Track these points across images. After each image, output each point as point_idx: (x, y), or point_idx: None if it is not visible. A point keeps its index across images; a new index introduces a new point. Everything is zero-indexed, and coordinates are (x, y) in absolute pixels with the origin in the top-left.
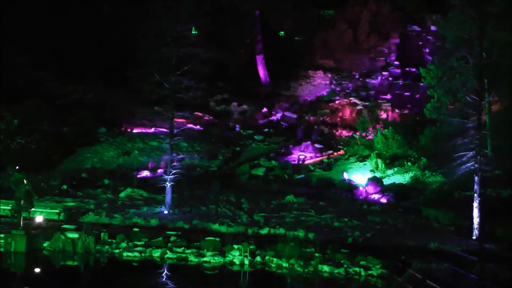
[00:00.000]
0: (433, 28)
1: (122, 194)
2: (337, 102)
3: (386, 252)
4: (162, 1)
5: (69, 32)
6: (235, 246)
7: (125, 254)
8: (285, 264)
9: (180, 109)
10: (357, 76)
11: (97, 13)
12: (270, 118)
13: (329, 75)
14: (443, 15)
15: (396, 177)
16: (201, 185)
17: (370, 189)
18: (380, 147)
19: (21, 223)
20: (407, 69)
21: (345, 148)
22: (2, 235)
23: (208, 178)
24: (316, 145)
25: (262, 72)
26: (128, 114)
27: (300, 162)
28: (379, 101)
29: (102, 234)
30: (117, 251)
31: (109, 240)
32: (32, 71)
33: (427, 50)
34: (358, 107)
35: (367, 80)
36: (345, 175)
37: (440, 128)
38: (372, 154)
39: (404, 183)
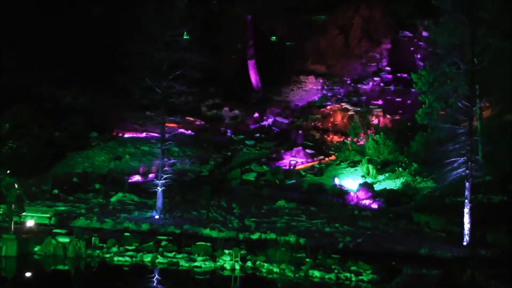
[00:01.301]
0: (424, 33)
1: (113, 199)
2: (328, 107)
3: (377, 258)
4: (153, 6)
5: (59, 37)
6: (226, 251)
7: (116, 258)
8: (276, 269)
9: (171, 114)
10: (348, 82)
11: (88, 17)
12: (262, 123)
13: (321, 81)
14: (435, 20)
15: (387, 183)
16: (192, 190)
17: (361, 194)
18: (371, 153)
19: (12, 227)
20: (399, 74)
21: (336, 154)
22: None
23: (199, 183)
24: (308, 151)
25: (253, 77)
26: (119, 119)
27: (292, 167)
28: (370, 106)
29: (93, 238)
30: (108, 255)
31: (100, 244)
32: (22, 75)
33: (418, 56)
34: (350, 113)
35: (359, 85)
36: (336, 181)
37: (431, 134)
38: (363, 160)
39: (395, 188)
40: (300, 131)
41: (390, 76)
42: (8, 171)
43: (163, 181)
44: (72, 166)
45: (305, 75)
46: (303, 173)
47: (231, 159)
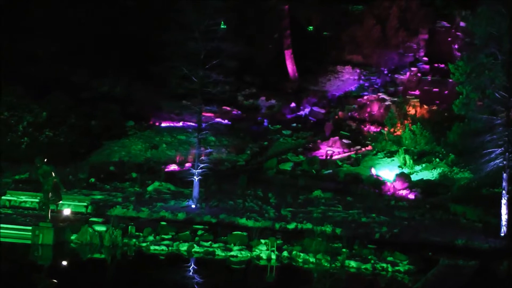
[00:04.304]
0: (462, 24)
1: (149, 188)
2: (365, 97)
3: (414, 248)
4: None
5: (95, 26)
6: (262, 241)
7: (152, 247)
8: (312, 259)
9: (208, 103)
10: (385, 72)
11: (124, 6)
12: (298, 113)
13: (358, 71)
14: (472, 11)
15: (424, 173)
16: (229, 180)
17: (398, 185)
18: (408, 143)
19: (49, 215)
20: (436, 65)
21: (373, 144)
22: (30, 228)
23: (235, 173)
24: (344, 141)
25: (290, 67)
26: (155, 108)
27: (328, 157)
28: (407, 97)
29: (129, 227)
30: (144, 244)
31: (137, 233)
32: (58, 65)
33: (456, 46)
34: (386, 103)
35: (396, 75)
36: (373, 171)
37: (469, 124)
38: (400, 150)
39: (432, 179)
40: (328, 123)
41: (427, 66)
42: (45, 159)
43: (200, 170)
44: (108, 155)
45: (341, 65)
46: (340, 163)
47: (268, 148)
